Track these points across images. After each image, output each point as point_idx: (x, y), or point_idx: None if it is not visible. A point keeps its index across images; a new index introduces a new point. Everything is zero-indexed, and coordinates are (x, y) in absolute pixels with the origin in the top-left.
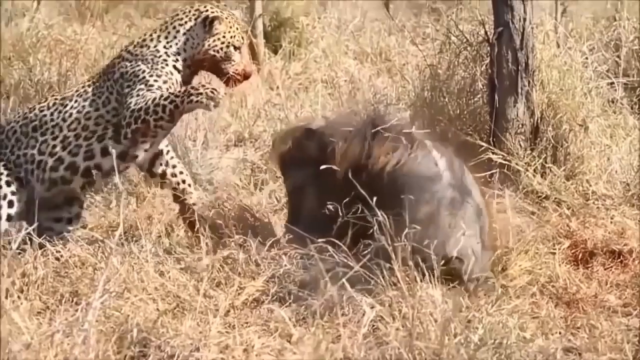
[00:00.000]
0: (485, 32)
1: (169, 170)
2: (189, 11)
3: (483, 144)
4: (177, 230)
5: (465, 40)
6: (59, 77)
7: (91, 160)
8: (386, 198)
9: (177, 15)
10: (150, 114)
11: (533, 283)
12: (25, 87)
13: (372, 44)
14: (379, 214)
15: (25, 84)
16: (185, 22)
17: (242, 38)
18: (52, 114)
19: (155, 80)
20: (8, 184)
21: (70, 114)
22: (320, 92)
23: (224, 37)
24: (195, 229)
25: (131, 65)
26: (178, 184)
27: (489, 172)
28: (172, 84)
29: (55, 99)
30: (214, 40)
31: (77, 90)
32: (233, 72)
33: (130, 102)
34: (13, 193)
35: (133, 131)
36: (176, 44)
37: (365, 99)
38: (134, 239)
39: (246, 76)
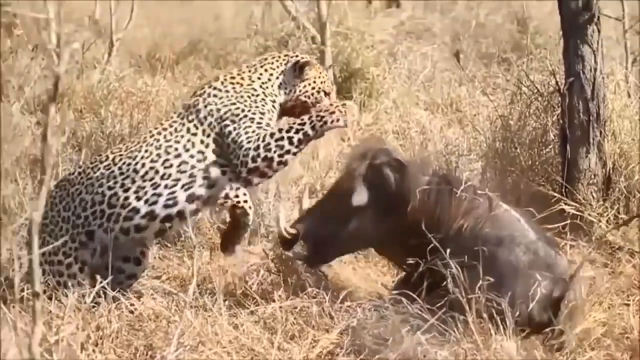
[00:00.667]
0: (556, 82)
1: (232, 193)
2: (279, 57)
3: (555, 194)
4: (251, 282)
5: (536, 90)
6: (131, 129)
7: (173, 207)
8: (466, 253)
9: (266, 59)
10: (273, 150)
11: (607, 335)
12: (97, 140)
13: (443, 94)
14: (453, 265)
15: (97, 136)
16: (277, 67)
17: (331, 84)
18: (120, 168)
19: (261, 118)
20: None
21: (143, 164)
22: (392, 143)
23: (314, 82)
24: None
25: (223, 102)
26: (238, 201)
27: (562, 223)
28: (274, 123)
29: (120, 153)
30: (305, 86)
31: (144, 141)
32: None
33: (241, 141)
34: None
35: (250, 170)
36: (271, 85)
37: (437, 150)
38: (208, 291)
39: None
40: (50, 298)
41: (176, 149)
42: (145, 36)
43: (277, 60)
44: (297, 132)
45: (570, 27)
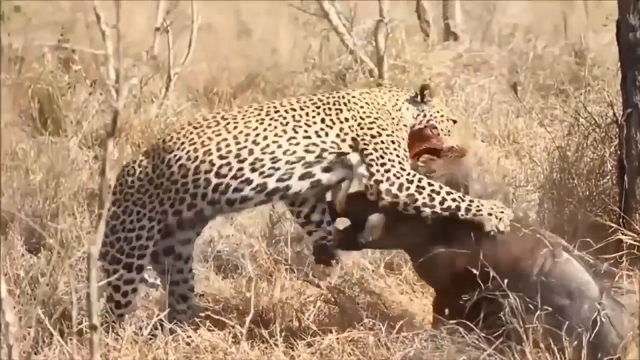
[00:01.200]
0: (614, 114)
1: (326, 219)
2: (395, 86)
3: (613, 224)
4: (308, 313)
5: (593, 121)
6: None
7: (284, 182)
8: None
9: (385, 86)
10: (423, 195)
11: None
12: None
13: (500, 126)
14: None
15: None
16: (398, 92)
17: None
18: (235, 137)
19: (399, 145)
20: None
21: (265, 137)
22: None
23: (440, 109)
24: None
25: (365, 113)
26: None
27: (619, 253)
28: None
29: (235, 121)
30: (434, 113)
31: (267, 115)
32: (448, 147)
33: (384, 163)
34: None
35: (386, 192)
36: (400, 109)
37: (494, 181)
38: (264, 322)
39: (462, 153)
40: (107, 331)
41: (306, 131)
42: (203, 70)
43: (398, 88)
44: (454, 200)
45: (628, 58)
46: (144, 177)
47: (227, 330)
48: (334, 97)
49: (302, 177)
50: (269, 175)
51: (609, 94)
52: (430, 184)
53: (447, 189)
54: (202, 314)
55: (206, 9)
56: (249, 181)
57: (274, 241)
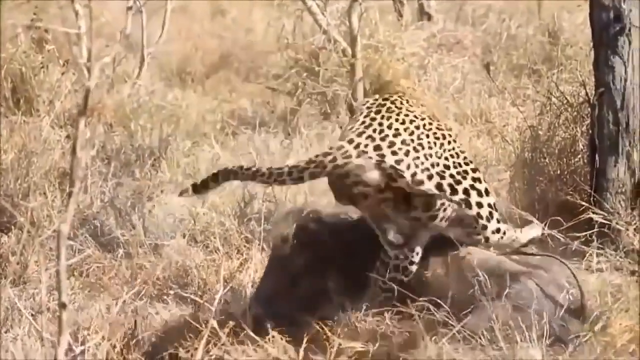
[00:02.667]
0: (586, 93)
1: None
2: None
3: (583, 203)
4: None
5: (566, 101)
6: (160, 142)
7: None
8: None
9: None
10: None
11: (634, 342)
12: (127, 153)
13: (473, 105)
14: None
15: (126, 150)
16: None
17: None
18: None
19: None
20: None
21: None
22: None
23: None
24: None
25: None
26: None
27: (590, 232)
28: None
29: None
30: None
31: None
32: None
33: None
34: None
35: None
36: None
37: None
38: (235, 300)
39: None
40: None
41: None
42: (176, 50)
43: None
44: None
45: (600, 39)
46: None
47: (197, 308)
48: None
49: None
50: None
51: (581, 73)
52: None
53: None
54: (172, 292)
55: None
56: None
57: (245, 220)
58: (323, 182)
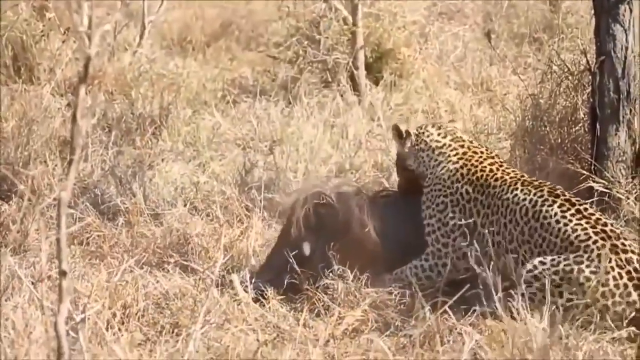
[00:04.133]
0: (587, 61)
1: None
2: None
3: (584, 172)
4: None
5: (566, 69)
6: (161, 110)
7: None
8: None
9: None
10: None
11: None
12: (127, 121)
13: (474, 74)
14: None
15: (127, 118)
16: None
17: None
18: None
19: None
20: None
21: None
22: (421, 122)
23: None
24: None
25: None
26: None
27: (590, 200)
28: None
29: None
30: None
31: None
32: None
33: None
34: None
35: None
36: None
37: (466, 128)
38: (235, 269)
39: None
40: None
41: None
42: (177, 19)
43: None
44: None
45: (602, 6)
46: None
47: (198, 277)
48: None
49: None
50: None
51: (582, 41)
52: None
53: None
54: (172, 260)
55: None
56: None
57: (246, 188)
58: (323, 151)
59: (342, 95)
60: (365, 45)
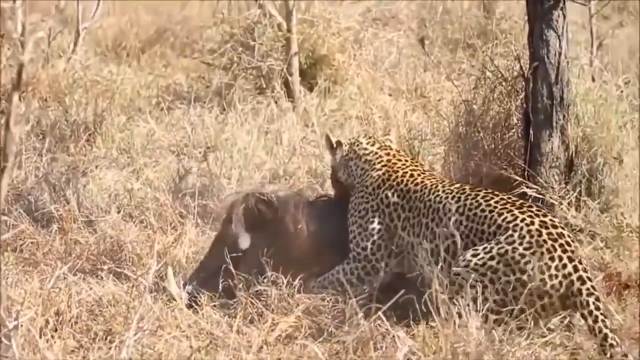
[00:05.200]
0: (521, 67)
1: None
2: None
3: (518, 177)
4: None
5: (500, 75)
6: (95, 117)
7: None
8: None
9: None
10: None
11: (566, 315)
12: (61, 128)
13: (408, 80)
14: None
15: (61, 125)
16: None
17: None
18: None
19: None
20: None
21: None
22: (355, 128)
23: None
24: None
25: None
26: None
27: None
28: None
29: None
30: None
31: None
32: None
33: None
34: None
35: None
36: None
37: (400, 135)
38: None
39: None
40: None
41: None
42: (112, 25)
43: None
44: None
45: (535, 12)
46: None
47: (131, 284)
48: None
49: None
50: None
51: (516, 47)
52: None
53: None
54: (106, 267)
55: None
56: None
57: (180, 195)
58: (257, 157)
59: (276, 102)
60: (299, 52)
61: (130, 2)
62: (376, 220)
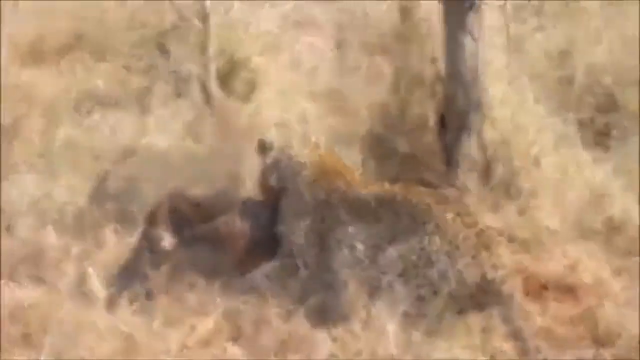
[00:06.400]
0: (438, 70)
1: None
2: None
3: (435, 181)
4: None
5: (417, 79)
6: (14, 122)
7: None
8: None
9: None
10: None
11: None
12: None
13: (326, 84)
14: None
15: None
16: None
17: None
18: None
19: None
20: None
21: None
22: (274, 133)
23: None
24: None
25: None
26: None
27: None
28: None
29: None
30: None
31: None
32: None
33: None
34: None
35: None
36: None
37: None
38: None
39: None
40: None
41: None
42: (30, 29)
43: None
44: None
45: (451, 15)
46: None
47: (49, 288)
48: None
49: None
50: None
51: (433, 50)
52: None
53: None
54: (25, 273)
55: None
56: None
57: (100, 200)
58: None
59: (195, 106)
60: (217, 56)
61: (46, 7)
62: (302, 220)
